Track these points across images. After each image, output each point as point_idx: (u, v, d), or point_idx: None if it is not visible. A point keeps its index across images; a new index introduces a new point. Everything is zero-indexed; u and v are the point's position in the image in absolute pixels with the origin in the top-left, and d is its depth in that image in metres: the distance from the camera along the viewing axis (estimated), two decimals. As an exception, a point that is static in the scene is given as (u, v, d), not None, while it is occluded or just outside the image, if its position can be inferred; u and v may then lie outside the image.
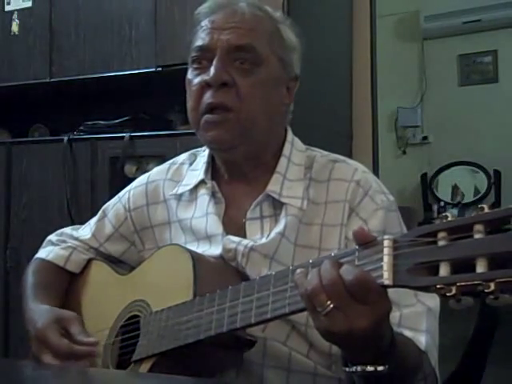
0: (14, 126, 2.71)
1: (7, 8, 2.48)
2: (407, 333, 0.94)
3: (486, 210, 0.64)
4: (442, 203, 4.78)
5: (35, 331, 0.99)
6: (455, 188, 4.81)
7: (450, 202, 4.77)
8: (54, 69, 2.38)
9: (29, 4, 2.44)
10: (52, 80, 2.39)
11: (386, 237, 0.71)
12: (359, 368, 0.75)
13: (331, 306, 0.71)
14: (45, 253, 1.22)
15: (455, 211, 4.67)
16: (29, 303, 1.09)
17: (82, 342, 0.98)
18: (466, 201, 4.73)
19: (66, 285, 1.19)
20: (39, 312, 1.04)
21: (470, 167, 4.78)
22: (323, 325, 0.73)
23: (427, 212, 4.76)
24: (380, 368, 0.75)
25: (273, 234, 1.01)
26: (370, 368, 0.75)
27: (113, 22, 2.27)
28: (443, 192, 4.82)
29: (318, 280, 0.72)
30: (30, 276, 1.18)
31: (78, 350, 0.96)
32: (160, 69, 2.18)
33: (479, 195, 4.72)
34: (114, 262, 1.20)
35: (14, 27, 2.46)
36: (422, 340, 0.94)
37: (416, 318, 0.95)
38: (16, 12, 2.46)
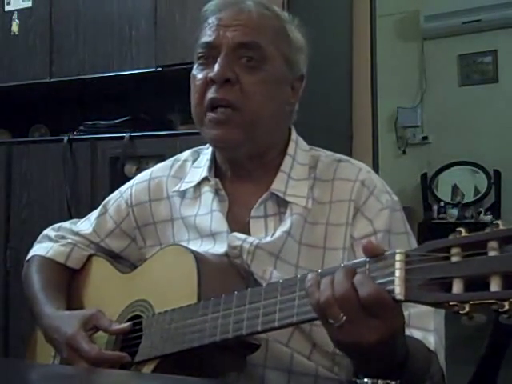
0: (14, 125, 2.71)
1: (7, 8, 2.48)
2: (417, 333, 0.94)
3: (501, 226, 0.62)
4: (442, 203, 4.79)
5: (66, 339, 0.99)
6: (455, 188, 4.82)
7: (450, 202, 4.78)
8: (54, 69, 2.38)
9: (29, 4, 2.44)
10: (52, 80, 2.38)
11: (397, 250, 0.70)
12: (370, 381, 0.75)
13: (344, 318, 0.70)
14: (44, 249, 1.21)
15: (455, 211, 4.68)
16: (44, 309, 1.08)
17: (116, 330, 0.99)
18: (466, 201, 4.74)
19: (68, 279, 1.19)
20: (62, 319, 1.04)
21: (470, 167, 4.78)
22: (335, 336, 0.72)
23: (427, 212, 4.77)
24: (392, 383, 0.74)
25: (279, 233, 1.01)
26: (381, 382, 0.74)
27: (113, 22, 2.27)
28: (443, 192, 4.82)
29: (331, 292, 0.71)
30: (35, 276, 1.17)
31: (108, 356, 0.97)
32: (160, 69, 2.18)
33: (479, 195, 4.72)
34: (113, 257, 1.19)
35: (14, 27, 2.46)
36: (431, 340, 0.94)
37: (424, 318, 0.95)
38: (16, 12, 2.46)
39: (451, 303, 0.64)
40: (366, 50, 2.55)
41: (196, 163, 1.15)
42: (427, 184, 4.86)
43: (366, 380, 0.75)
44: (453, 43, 4.77)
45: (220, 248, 1.02)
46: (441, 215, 4.74)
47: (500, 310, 0.60)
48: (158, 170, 1.19)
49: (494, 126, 4.62)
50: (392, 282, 0.69)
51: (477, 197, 4.73)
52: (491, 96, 4.68)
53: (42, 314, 1.08)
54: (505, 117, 4.59)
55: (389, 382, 0.74)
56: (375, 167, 2.53)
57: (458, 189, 4.80)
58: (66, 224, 1.26)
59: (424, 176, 4.86)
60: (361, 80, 2.55)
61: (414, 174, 4.87)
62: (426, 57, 4.84)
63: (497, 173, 4.62)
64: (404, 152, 4.99)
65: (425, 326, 0.95)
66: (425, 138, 4.90)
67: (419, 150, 4.93)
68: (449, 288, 0.64)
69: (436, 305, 0.66)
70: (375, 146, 2.56)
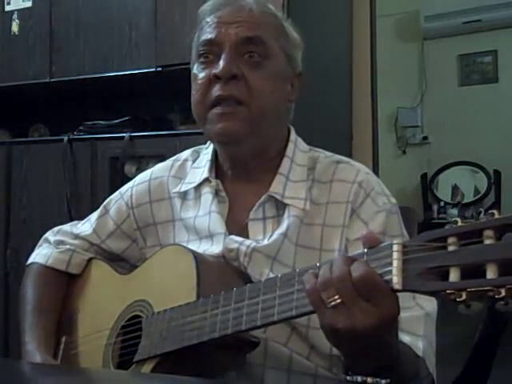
0: (14, 126, 2.71)
1: (7, 8, 2.48)
2: (405, 337, 0.93)
3: (497, 215, 0.63)
4: (442, 203, 4.78)
5: None
6: (455, 188, 4.82)
7: (450, 202, 4.78)
8: (54, 69, 2.38)
9: (29, 4, 2.44)
10: (52, 80, 2.39)
11: (395, 241, 0.70)
12: (360, 378, 0.75)
13: (338, 300, 0.71)
14: (43, 257, 1.20)
15: (455, 211, 4.67)
16: (26, 340, 1.08)
17: None
18: (466, 201, 4.73)
19: (65, 288, 1.19)
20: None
21: (470, 167, 4.78)
22: (328, 321, 0.72)
23: (427, 212, 4.76)
24: (382, 382, 0.74)
25: (275, 235, 1.01)
26: (370, 380, 0.74)
27: (113, 22, 2.27)
28: (443, 192, 4.82)
29: (329, 274, 0.72)
30: (29, 292, 1.17)
31: None
32: (160, 69, 2.18)
33: (479, 195, 4.72)
34: (113, 260, 1.19)
35: (14, 27, 2.46)
36: (419, 345, 0.94)
37: (414, 323, 0.95)
38: (16, 12, 2.46)
39: (448, 291, 0.64)
40: (366, 50, 2.55)
41: (196, 163, 1.15)
42: (427, 184, 4.86)
43: (356, 377, 0.75)
44: (453, 43, 4.77)
45: (216, 249, 1.02)
46: (441, 215, 4.74)
47: (496, 296, 0.61)
48: (159, 170, 1.19)
49: (493, 126, 4.61)
50: (390, 272, 0.69)
51: (477, 197, 4.72)
52: (491, 96, 4.68)
53: (23, 343, 1.08)
54: (505, 117, 4.58)
55: (378, 380, 0.74)
56: (375, 167, 2.53)
57: (458, 189, 4.80)
58: (67, 227, 1.26)
59: (424, 176, 4.86)
60: (361, 80, 2.54)
61: (414, 174, 4.86)
62: (426, 57, 4.84)
63: (497, 173, 4.62)
64: (404, 152, 4.98)
65: (414, 331, 0.95)
66: (425, 138, 4.90)
67: (419, 149, 4.93)
68: (446, 277, 0.65)
69: (433, 293, 0.67)
70: (375, 146, 2.56)
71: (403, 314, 0.92)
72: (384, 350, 0.75)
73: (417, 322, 0.95)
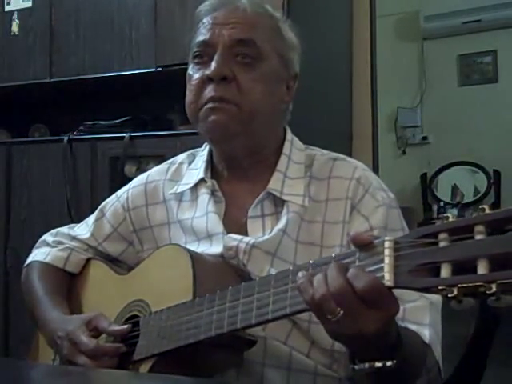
0: (14, 125, 2.71)
1: (7, 8, 2.49)
2: (411, 327, 0.94)
3: (487, 210, 0.63)
4: (442, 203, 4.78)
5: (67, 335, 1.00)
6: (455, 188, 4.81)
7: (450, 202, 4.77)
8: (54, 69, 2.38)
9: (29, 4, 2.44)
10: (52, 80, 2.39)
11: (386, 238, 0.70)
12: (367, 365, 0.75)
13: (341, 312, 0.71)
14: (42, 255, 1.21)
15: (455, 211, 4.67)
16: (50, 314, 1.09)
17: (114, 331, 0.99)
18: (465, 201, 4.73)
19: (68, 283, 1.20)
20: (67, 320, 1.05)
21: (469, 167, 4.77)
22: (333, 328, 0.73)
23: (427, 212, 4.76)
24: (389, 363, 0.74)
25: (274, 231, 1.01)
26: (378, 364, 0.74)
27: (113, 22, 2.27)
28: (443, 192, 4.82)
29: (326, 288, 0.72)
30: (36, 282, 1.17)
31: (106, 347, 0.97)
32: (160, 69, 2.18)
33: (479, 195, 4.71)
34: (111, 261, 1.20)
35: (14, 27, 2.46)
36: (426, 333, 0.95)
37: (419, 312, 0.96)
38: (16, 12, 2.46)
39: (440, 287, 0.64)
40: (366, 50, 2.55)
41: (192, 165, 1.15)
42: (427, 184, 4.85)
43: (363, 365, 0.75)
44: (453, 43, 4.76)
45: (216, 249, 1.02)
46: (441, 215, 4.73)
47: (487, 292, 0.61)
48: (155, 173, 1.19)
49: (493, 126, 4.61)
50: (381, 269, 0.69)
51: (477, 197, 4.72)
52: (491, 96, 4.68)
53: (46, 318, 1.09)
54: (504, 117, 4.58)
55: (386, 362, 0.74)
56: (375, 167, 2.54)
57: (457, 189, 4.80)
58: (64, 229, 1.27)
59: (424, 176, 4.86)
60: (361, 80, 2.55)
61: (413, 174, 4.86)
62: (426, 57, 4.84)
63: (497, 173, 4.62)
64: (404, 152, 4.98)
65: (420, 320, 0.95)
66: (425, 138, 4.89)
67: (419, 149, 4.92)
68: (437, 273, 0.65)
69: (425, 290, 0.67)
70: (375, 146, 2.56)
71: (408, 305, 0.94)
72: (387, 337, 0.76)
73: (422, 312, 0.96)
